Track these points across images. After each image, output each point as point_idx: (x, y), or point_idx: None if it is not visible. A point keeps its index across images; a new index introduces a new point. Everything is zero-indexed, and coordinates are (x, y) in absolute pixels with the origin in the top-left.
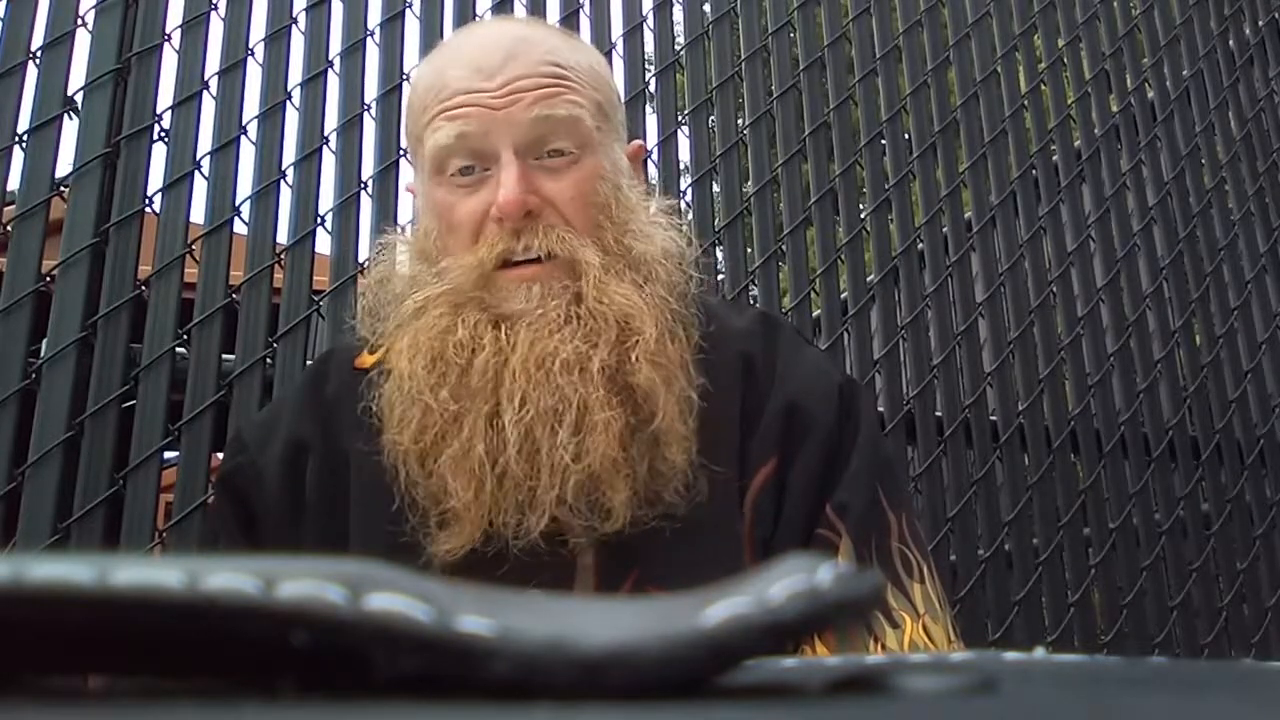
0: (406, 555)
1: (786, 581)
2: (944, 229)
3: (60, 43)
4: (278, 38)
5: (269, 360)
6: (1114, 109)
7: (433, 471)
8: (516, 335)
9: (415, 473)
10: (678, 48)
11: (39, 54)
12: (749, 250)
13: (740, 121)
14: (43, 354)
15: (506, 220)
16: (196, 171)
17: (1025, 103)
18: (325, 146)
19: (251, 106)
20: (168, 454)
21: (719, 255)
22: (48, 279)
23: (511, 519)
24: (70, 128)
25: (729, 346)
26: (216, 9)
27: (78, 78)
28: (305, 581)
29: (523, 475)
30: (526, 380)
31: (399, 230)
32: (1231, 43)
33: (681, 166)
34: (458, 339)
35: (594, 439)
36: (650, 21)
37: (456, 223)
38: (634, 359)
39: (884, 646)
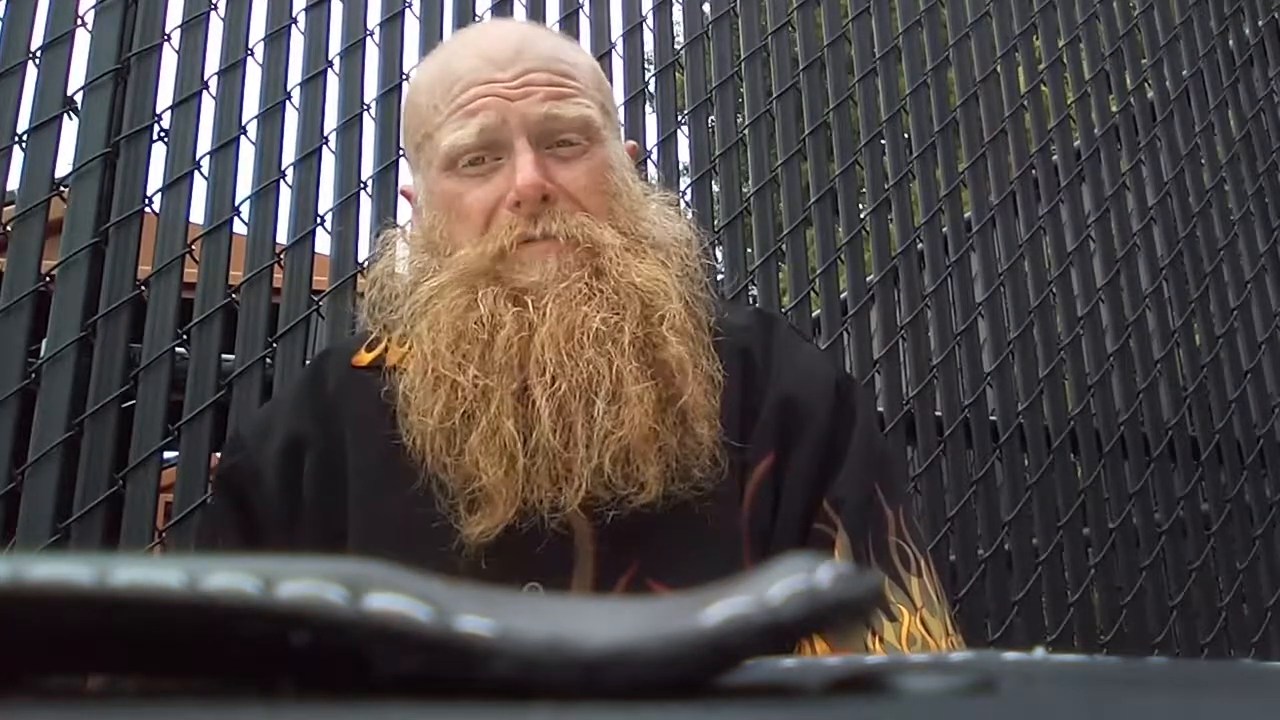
0: (436, 540)
1: (786, 581)
2: (944, 229)
3: (60, 43)
4: (277, 38)
5: (269, 360)
6: (1114, 109)
7: (462, 450)
8: (544, 307)
9: (442, 454)
10: (677, 48)
11: (39, 54)
12: (749, 250)
13: (740, 121)
14: (43, 354)
15: (525, 204)
16: (196, 171)
17: (1025, 103)
18: (325, 146)
19: (251, 106)
20: (167, 454)
21: (719, 255)
22: (48, 279)
23: (547, 494)
24: (70, 128)
25: (729, 342)
26: (216, 9)
27: (78, 78)
28: (305, 581)
29: (560, 447)
30: (557, 353)
31: (401, 226)
32: (1231, 43)
33: (681, 166)
34: (479, 315)
35: (629, 410)
36: (650, 21)
37: (466, 211)
38: (663, 332)
39: (881, 640)
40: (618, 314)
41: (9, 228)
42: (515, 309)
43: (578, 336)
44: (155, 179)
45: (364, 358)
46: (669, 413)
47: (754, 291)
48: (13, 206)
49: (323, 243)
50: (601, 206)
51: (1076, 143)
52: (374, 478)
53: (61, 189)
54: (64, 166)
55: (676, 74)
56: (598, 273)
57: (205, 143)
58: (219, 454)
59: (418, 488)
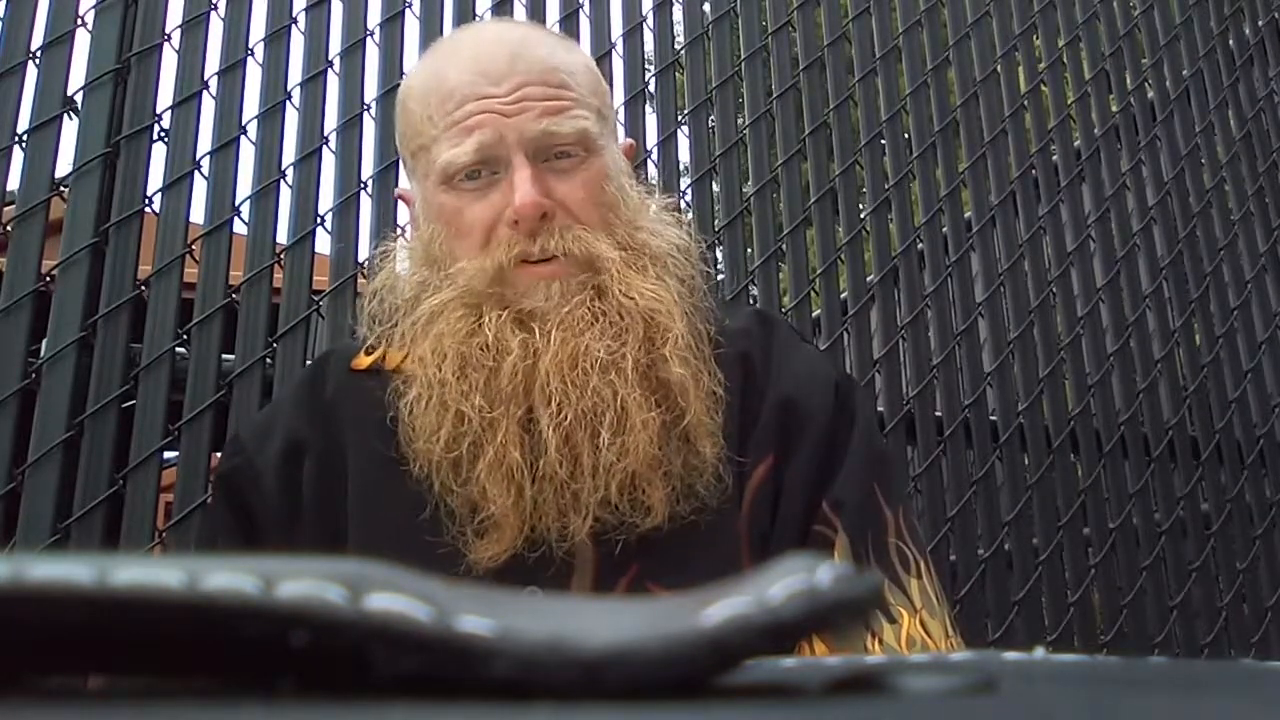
0: (441, 563)
1: (786, 581)
2: (944, 229)
3: (60, 43)
4: (277, 38)
5: (269, 360)
6: (1114, 109)
7: (469, 479)
8: (548, 334)
9: (450, 480)
10: (677, 48)
11: (39, 54)
12: (749, 250)
13: (740, 121)
14: (43, 354)
15: (523, 223)
16: (196, 171)
17: (1025, 103)
18: (325, 146)
19: (251, 106)
20: (168, 454)
21: (719, 255)
22: (48, 279)
23: (554, 523)
24: (70, 128)
25: (729, 345)
26: (216, 9)
27: (78, 78)
28: (305, 581)
29: (566, 477)
30: (561, 382)
31: (399, 235)
32: (1231, 43)
33: (681, 167)
34: (483, 340)
35: (634, 438)
36: (650, 21)
37: (466, 227)
38: (666, 355)
39: (881, 642)
40: (620, 340)
41: (9, 228)
42: (521, 335)
43: (582, 365)
44: (155, 179)
45: (363, 361)
46: (673, 435)
47: (754, 292)
48: (13, 206)
49: (323, 243)
50: (599, 219)
51: (1076, 143)
52: (374, 485)
53: (61, 189)
54: (64, 166)
55: (676, 74)
56: (600, 293)
57: (205, 143)
58: (219, 454)
59: (422, 510)
